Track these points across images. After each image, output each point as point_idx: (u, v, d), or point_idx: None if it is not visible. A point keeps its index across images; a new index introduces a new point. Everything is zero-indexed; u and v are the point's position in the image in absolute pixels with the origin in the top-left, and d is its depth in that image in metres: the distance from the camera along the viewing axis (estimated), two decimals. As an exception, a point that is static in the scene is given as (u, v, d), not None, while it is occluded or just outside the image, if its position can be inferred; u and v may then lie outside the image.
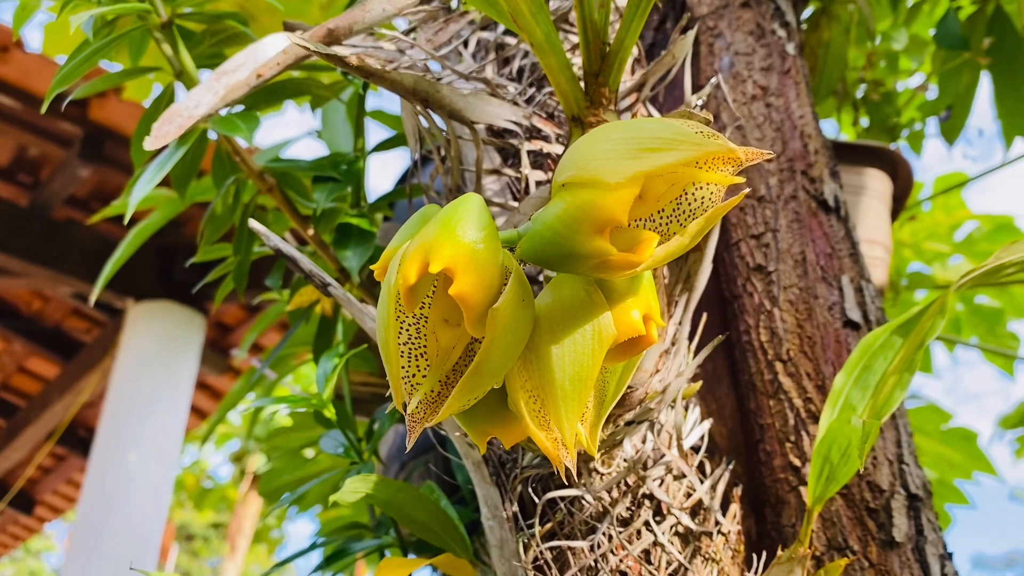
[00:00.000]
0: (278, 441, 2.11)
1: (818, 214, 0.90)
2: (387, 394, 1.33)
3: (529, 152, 0.75)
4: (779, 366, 0.83)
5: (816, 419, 0.80)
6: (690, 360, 0.72)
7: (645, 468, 0.69)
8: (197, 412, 4.96)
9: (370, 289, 0.92)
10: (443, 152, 0.74)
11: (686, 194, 0.47)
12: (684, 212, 0.47)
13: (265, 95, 0.89)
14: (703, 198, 0.46)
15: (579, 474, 0.71)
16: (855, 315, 0.85)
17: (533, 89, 0.79)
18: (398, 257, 0.46)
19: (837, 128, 1.95)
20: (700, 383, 0.71)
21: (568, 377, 0.46)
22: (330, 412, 0.83)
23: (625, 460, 0.70)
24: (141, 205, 1.34)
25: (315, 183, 0.85)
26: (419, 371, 0.48)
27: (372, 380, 1.34)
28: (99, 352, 4.23)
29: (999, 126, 1.79)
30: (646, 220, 0.47)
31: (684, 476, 0.71)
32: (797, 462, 0.80)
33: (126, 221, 0.83)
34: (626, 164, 0.42)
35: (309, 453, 1.83)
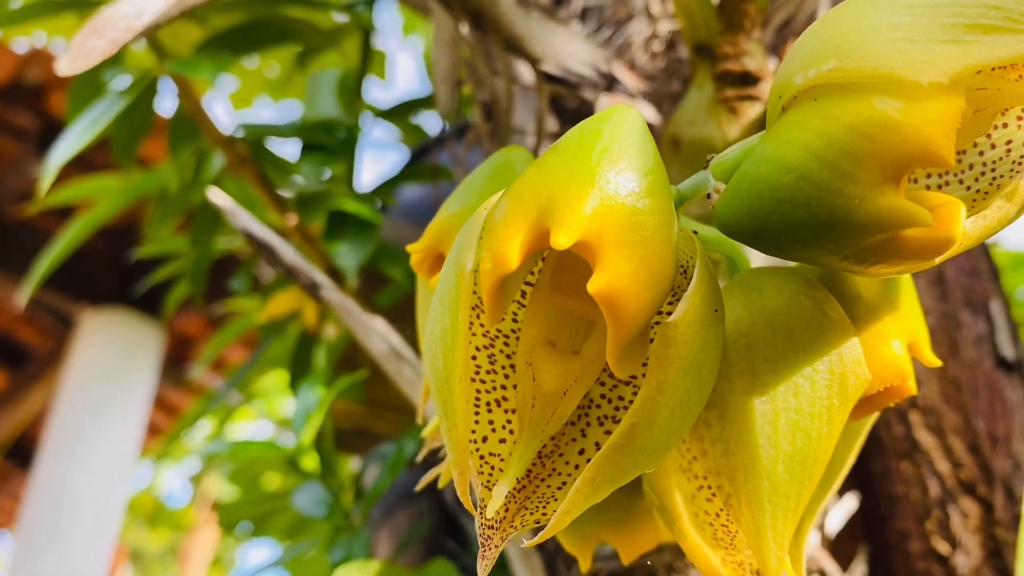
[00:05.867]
0: (242, 471, 1.88)
1: (949, 221, 0.70)
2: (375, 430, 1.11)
3: (605, 113, 0.54)
4: (914, 417, 0.62)
5: (970, 490, 0.60)
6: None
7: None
8: (151, 429, 4.67)
9: (367, 297, 0.71)
10: (488, 107, 0.53)
11: (997, 129, 0.26)
12: (995, 163, 0.26)
13: (243, 37, 0.67)
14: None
15: (670, 569, 0.49)
16: (1008, 352, 0.65)
17: (607, 31, 0.59)
18: (472, 228, 0.25)
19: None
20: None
21: (783, 458, 0.25)
22: (312, 461, 0.62)
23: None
24: (82, 194, 1.11)
25: (304, 153, 0.64)
26: (493, 433, 0.27)
27: (356, 409, 1.12)
28: (51, 361, 3.96)
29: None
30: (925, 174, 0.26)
31: (823, 573, 0.50)
32: (944, 548, 0.59)
33: (43, 191, 0.61)
34: (947, 52, 0.22)
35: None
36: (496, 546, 0.26)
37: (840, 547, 0.58)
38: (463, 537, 0.79)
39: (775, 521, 0.25)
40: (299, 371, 0.75)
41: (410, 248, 0.31)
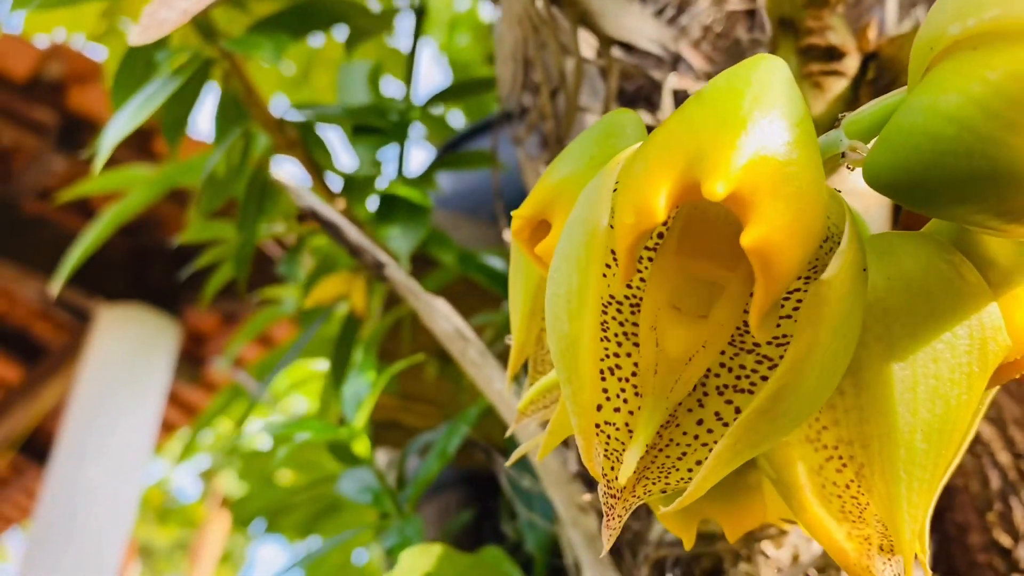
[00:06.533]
0: (256, 465, 1.89)
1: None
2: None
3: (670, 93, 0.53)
4: (975, 408, 0.61)
5: (1033, 483, 0.59)
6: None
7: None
8: (164, 425, 4.67)
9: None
10: (553, 85, 0.52)
11: None
12: None
13: (290, 20, 0.67)
14: None
15: (738, 558, 0.49)
16: (1069, 343, 0.64)
17: (670, 12, 0.58)
18: (603, 184, 0.24)
19: None
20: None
21: (922, 426, 0.24)
22: (364, 446, 0.61)
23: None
24: (113, 185, 1.10)
25: (357, 136, 0.63)
26: (607, 401, 0.26)
27: (387, 402, 1.11)
28: (66, 357, 3.96)
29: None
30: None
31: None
32: (1006, 541, 0.58)
33: (98, 168, 0.60)
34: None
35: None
36: (620, 516, 0.25)
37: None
38: (505, 521, 0.78)
39: (911, 492, 0.24)
40: (343, 357, 0.74)
41: (514, 214, 0.30)
